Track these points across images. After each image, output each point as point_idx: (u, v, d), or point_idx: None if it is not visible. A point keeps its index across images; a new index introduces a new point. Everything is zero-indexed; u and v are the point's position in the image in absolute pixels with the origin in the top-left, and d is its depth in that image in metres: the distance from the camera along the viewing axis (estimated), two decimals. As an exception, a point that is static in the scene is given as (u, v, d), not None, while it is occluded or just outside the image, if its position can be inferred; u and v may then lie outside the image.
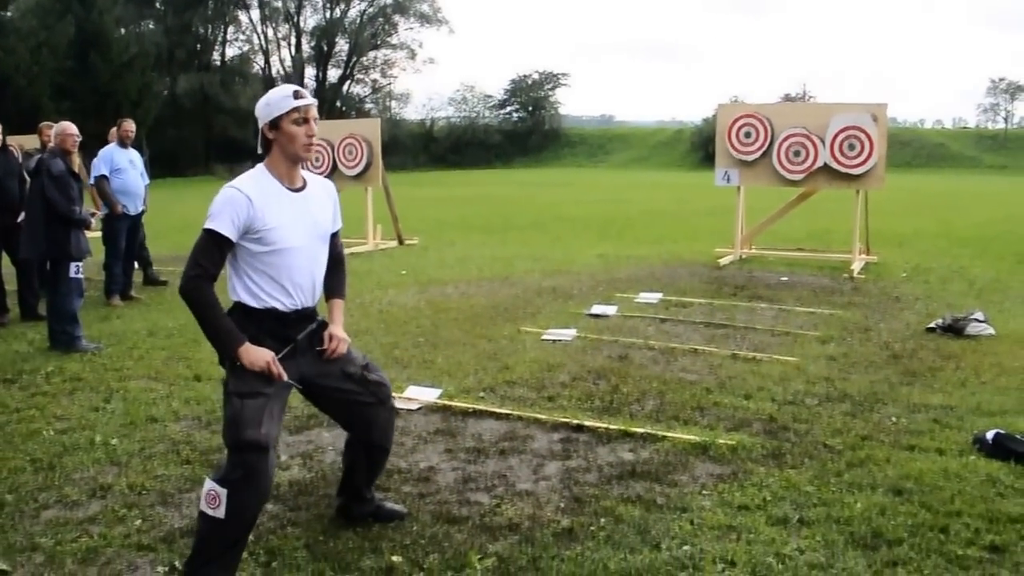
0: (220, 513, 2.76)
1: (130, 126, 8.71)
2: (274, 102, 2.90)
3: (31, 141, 9.53)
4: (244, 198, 2.83)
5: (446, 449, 4.28)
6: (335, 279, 3.26)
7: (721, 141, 10.96)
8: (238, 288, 2.95)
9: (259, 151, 2.98)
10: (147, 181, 9.11)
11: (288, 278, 2.94)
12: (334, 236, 3.20)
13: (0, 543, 3.27)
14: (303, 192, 3.01)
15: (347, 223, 3.34)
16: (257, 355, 2.86)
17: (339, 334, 3.13)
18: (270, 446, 2.83)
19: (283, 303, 2.96)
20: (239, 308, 2.96)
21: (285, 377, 2.91)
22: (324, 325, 3.14)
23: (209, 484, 2.81)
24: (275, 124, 2.89)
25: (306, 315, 3.05)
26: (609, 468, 3.99)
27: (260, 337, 2.91)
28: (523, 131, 58.95)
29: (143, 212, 8.86)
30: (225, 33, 51.56)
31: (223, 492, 2.76)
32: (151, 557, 3.15)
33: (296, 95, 2.90)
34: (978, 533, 3.29)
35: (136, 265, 9.27)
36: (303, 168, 3.07)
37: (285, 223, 2.91)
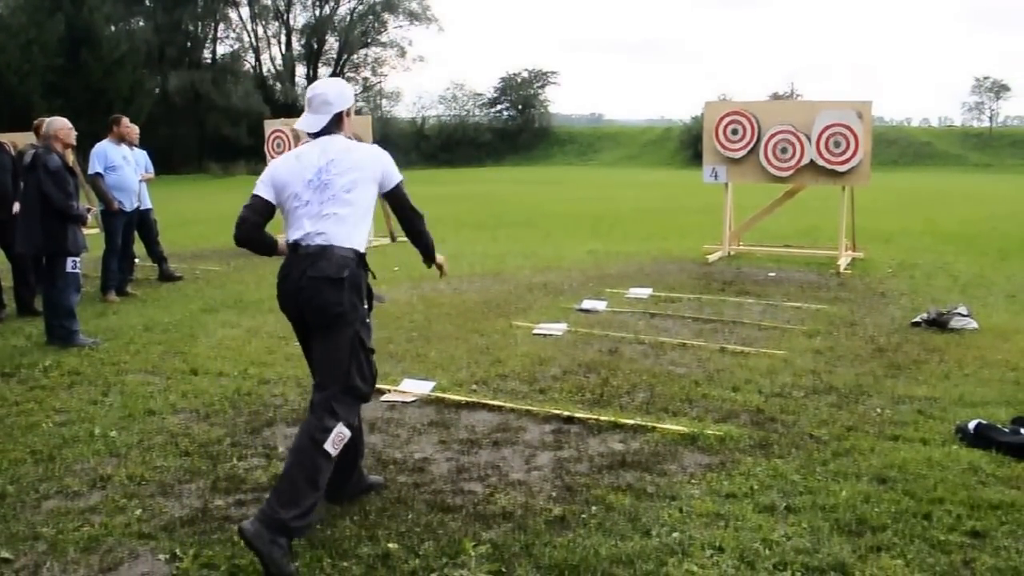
0: (337, 451, 3.13)
1: (127, 123, 8.75)
2: (351, 96, 3.49)
3: (23, 139, 9.55)
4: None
5: (440, 440, 4.34)
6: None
7: (709, 139, 11.03)
8: (356, 239, 3.31)
9: (320, 129, 3.37)
10: (152, 175, 9.37)
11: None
12: (397, 189, 3.49)
13: (3, 532, 3.31)
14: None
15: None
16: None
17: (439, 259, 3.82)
18: None
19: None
20: (356, 257, 3.29)
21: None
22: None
23: (340, 428, 3.14)
24: (349, 111, 3.45)
25: None
26: (600, 458, 4.05)
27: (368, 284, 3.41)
28: (513, 129, 58.96)
29: (139, 208, 8.90)
30: (215, 31, 51.22)
31: (348, 435, 3.16)
32: (152, 545, 3.20)
33: None
34: (960, 519, 3.35)
35: (150, 262, 9.58)
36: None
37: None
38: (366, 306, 3.32)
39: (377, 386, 4.10)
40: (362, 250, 3.31)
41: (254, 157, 30.43)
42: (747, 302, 8.10)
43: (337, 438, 3.10)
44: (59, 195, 6.40)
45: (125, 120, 8.76)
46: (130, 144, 8.79)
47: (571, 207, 20.19)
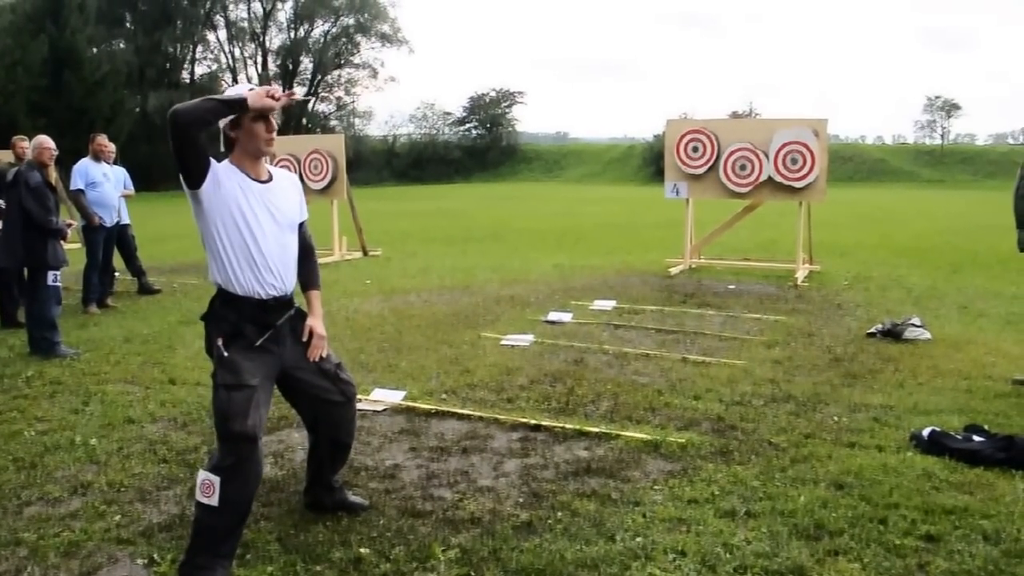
0: (214, 501, 2.86)
1: (104, 141, 8.84)
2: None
3: (7, 156, 9.53)
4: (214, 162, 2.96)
5: (410, 448, 4.39)
6: (308, 269, 3.34)
7: (670, 156, 11.19)
8: (217, 274, 3.04)
9: (222, 149, 3.06)
10: (132, 192, 9.50)
11: (262, 264, 3.02)
12: (302, 226, 3.29)
13: (-16, 538, 3.31)
14: (269, 184, 3.11)
15: (313, 235, 3.46)
16: (260, 91, 2.92)
17: (318, 331, 3.23)
18: (258, 436, 2.92)
19: (261, 289, 3.04)
20: (220, 295, 3.05)
21: (284, 97, 2.97)
22: (301, 313, 3.24)
23: (203, 474, 2.89)
24: (236, 123, 2.99)
25: (284, 302, 3.14)
26: (565, 465, 4.11)
27: (241, 323, 3.00)
28: (482, 147, 59.78)
29: (119, 224, 8.97)
30: (194, 52, 51.88)
31: (216, 480, 2.85)
32: (130, 550, 3.23)
33: None
34: (914, 524, 3.43)
35: (129, 276, 9.69)
36: (267, 163, 3.18)
37: (255, 211, 3.00)
38: (221, 347, 3.00)
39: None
40: (221, 284, 3.05)
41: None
42: (708, 314, 8.23)
43: (202, 485, 2.89)
44: (39, 210, 6.51)
45: (100, 139, 8.86)
46: (107, 161, 8.82)
47: (537, 222, 20.32)
